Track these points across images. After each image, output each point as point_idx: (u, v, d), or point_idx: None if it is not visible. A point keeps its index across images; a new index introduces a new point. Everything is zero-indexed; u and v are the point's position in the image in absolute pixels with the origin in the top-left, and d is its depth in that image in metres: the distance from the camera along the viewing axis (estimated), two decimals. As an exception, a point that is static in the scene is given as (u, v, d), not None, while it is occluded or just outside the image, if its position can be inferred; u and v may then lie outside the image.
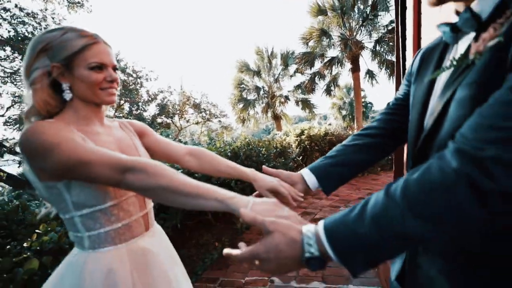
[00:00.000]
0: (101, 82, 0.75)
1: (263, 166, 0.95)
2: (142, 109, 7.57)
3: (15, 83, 9.78)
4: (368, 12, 10.94)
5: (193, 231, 3.54)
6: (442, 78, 0.63)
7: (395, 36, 2.02)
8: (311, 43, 12.20)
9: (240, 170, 0.94)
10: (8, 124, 7.15)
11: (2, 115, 7.52)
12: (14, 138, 6.85)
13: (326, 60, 12.27)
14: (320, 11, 11.47)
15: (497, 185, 0.37)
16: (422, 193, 0.42)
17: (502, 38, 0.46)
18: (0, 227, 1.77)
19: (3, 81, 9.75)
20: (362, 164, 0.88)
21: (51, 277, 0.79)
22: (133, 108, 7.66)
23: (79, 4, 9.15)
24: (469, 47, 0.56)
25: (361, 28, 11.43)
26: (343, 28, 11.49)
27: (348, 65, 12.24)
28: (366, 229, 0.45)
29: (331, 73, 12.60)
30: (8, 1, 7.77)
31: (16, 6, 7.98)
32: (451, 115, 0.54)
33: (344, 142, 0.92)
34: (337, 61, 12.12)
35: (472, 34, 0.57)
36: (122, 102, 7.48)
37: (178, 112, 8.32)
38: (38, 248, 1.48)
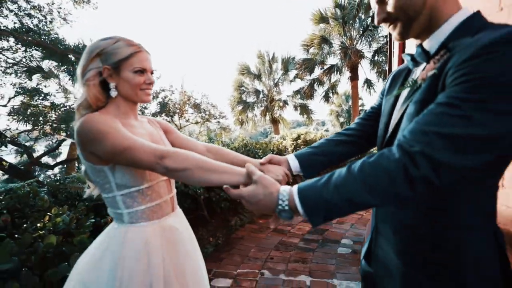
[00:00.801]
0: (142, 83, 0.90)
1: (259, 160, 1.10)
2: (143, 106, 7.73)
3: (16, 74, 9.86)
4: (368, 23, 11.22)
5: (190, 224, 3.68)
6: (403, 96, 0.81)
7: (388, 53, 2.21)
8: (311, 50, 12.44)
9: (250, 162, 1.07)
10: (12, 114, 7.23)
11: (5, 105, 7.59)
12: (17, 129, 6.92)
13: (325, 67, 12.52)
14: (322, 19, 11.72)
15: (420, 172, 0.54)
16: (373, 173, 0.59)
17: (437, 70, 0.64)
18: (14, 209, 1.91)
19: (5, 71, 9.84)
20: (339, 156, 1.04)
21: (94, 245, 0.93)
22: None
23: (85, 0, 9.30)
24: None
25: (361, 37, 11.71)
26: (343, 37, 11.75)
27: (347, 73, 12.49)
28: (329, 194, 0.61)
29: (330, 80, 12.85)
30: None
31: (27, 1, 8.11)
32: (402, 125, 0.71)
33: (327, 137, 1.09)
34: (336, 69, 12.37)
35: (424, 64, 0.74)
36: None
37: (178, 111, 8.47)
38: (51, 228, 1.62)
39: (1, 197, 2.11)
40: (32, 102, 7.48)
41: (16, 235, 1.61)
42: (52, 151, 8.05)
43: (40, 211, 2.02)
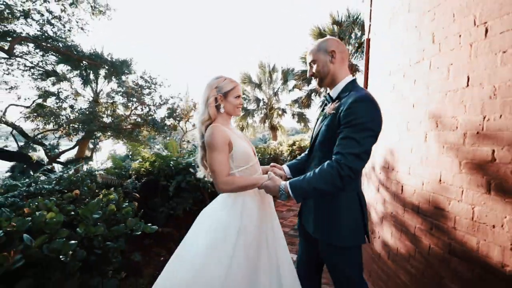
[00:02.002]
0: (238, 104, 1.47)
1: (272, 163, 1.69)
2: (153, 111, 8.38)
3: (33, 76, 10.53)
4: (363, 40, 11.99)
5: (197, 215, 4.27)
6: (320, 119, 1.42)
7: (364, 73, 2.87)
8: (310, 63, 13.17)
9: (266, 169, 1.66)
10: (40, 115, 7.79)
11: (28, 107, 8.18)
12: (44, 128, 7.51)
13: (323, 79, 13.24)
14: (320, 34, 12.48)
15: (345, 172, 1.14)
16: (324, 174, 1.16)
17: (335, 111, 1.26)
18: (71, 190, 2.52)
19: (23, 75, 10.52)
20: None
21: (216, 206, 1.49)
22: (145, 110, 8.50)
23: (102, 12, 10.03)
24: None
25: (356, 53, 12.47)
26: (340, 52, 12.51)
27: (343, 85, 13.15)
28: (304, 185, 1.19)
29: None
30: (41, 4, 8.58)
31: (47, 10, 8.81)
32: (318, 138, 1.34)
33: (305, 153, 1.64)
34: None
35: (331, 103, 1.36)
36: (136, 104, 8.34)
37: (184, 116, 9.13)
38: (106, 202, 2.23)
39: (55, 181, 2.74)
40: (54, 105, 8.10)
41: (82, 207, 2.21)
42: (70, 149, 8.66)
43: (89, 193, 2.63)
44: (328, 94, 1.38)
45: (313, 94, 13.99)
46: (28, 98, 9.73)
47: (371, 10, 2.58)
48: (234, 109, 1.48)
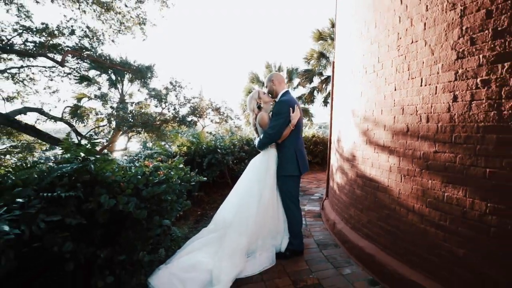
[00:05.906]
0: (267, 95, 2.94)
1: None
2: (177, 109, 10.05)
3: (70, 82, 12.34)
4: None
5: (220, 187, 5.86)
6: None
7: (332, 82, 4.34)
8: (312, 62, 14.54)
9: None
10: (73, 116, 9.57)
11: (69, 107, 9.92)
12: (85, 126, 9.33)
13: (323, 78, 14.60)
14: (321, 37, 13.82)
15: (265, 134, 2.74)
16: (264, 135, 2.76)
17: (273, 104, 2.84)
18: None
19: (61, 80, 12.32)
20: None
21: (260, 157, 2.98)
22: (171, 109, 10.18)
23: (128, 29, 11.67)
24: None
25: (354, 53, 13.75)
26: (338, 53, 13.84)
27: (342, 83, 14.49)
28: (258, 140, 2.83)
29: (326, 89, 14.91)
30: (83, 23, 10.28)
31: (87, 27, 10.49)
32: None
33: None
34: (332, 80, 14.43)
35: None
36: (166, 104, 10.03)
37: (203, 113, 10.75)
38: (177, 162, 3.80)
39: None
40: (97, 107, 9.82)
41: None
42: (108, 144, 10.42)
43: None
44: (275, 100, 2.92)
45: (315, 91, 15.36)
46: (66, 100, 11.48)
47: (335, 43, 4.03)
48: (268, 98, 2.92)
